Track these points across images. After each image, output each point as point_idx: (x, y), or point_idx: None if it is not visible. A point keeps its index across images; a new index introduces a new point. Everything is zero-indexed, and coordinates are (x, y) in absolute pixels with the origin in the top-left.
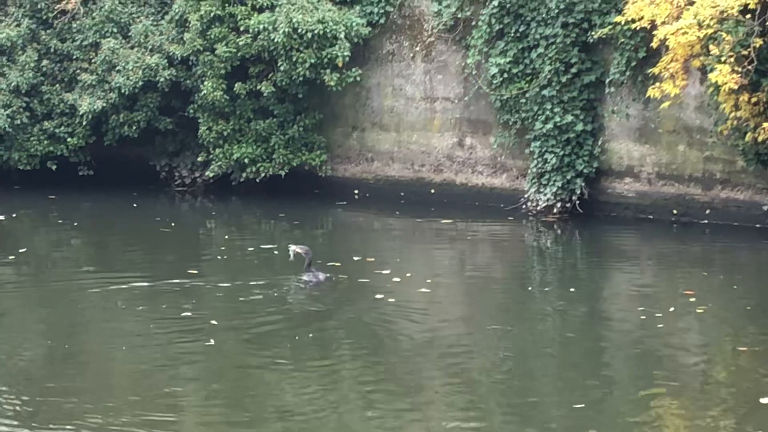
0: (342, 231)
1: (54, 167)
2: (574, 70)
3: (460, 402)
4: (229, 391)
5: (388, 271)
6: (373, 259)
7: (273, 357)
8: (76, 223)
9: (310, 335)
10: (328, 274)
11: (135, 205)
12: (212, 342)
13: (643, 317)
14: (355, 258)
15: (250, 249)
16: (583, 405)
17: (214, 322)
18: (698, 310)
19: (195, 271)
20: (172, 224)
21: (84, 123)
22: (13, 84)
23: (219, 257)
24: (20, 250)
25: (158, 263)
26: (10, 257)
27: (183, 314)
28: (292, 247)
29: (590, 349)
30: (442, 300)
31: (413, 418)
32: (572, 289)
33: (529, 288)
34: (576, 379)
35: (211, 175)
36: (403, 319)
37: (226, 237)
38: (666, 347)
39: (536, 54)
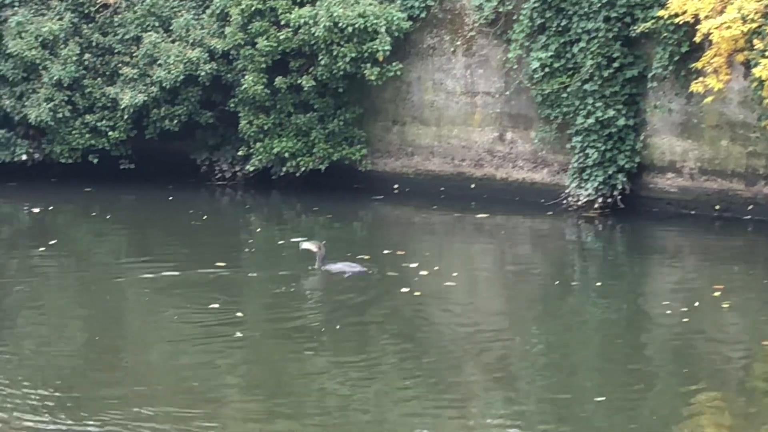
0: (379, 225)
1: (95, 161)
2: (616, 64)
3: (499, 397)
4: (267, 382)
5: (417, 265)
6: (403, 252)
7: (309, 348)
8: (108, 216)
9: (340, 327)
10: (356, 267)
11: (171, 198)
12: (243, 334)
13: (684, 310)
14: (387, 251)
15: (280, 242)
16: (622, 400)
17: (239, 314)
18: (733, 306)
19: (224, 264)
20: (204, 217)
21: (125, 117)
22: (55, 78)
23: (252, 250)
24: (50, 242)
25: (193, 254)
26: (41, 249)
27: (211, 306)
28: (304, 245)
29: (629, 344)
30: (481, 294)
31: (452, 415)
32: (613, 284)
33: (570, 283)
34: (615, 374)
35: (252, 169)
36: (441, 312)
37: (258, 230)
38: (707, 342)
39: (578, 48)
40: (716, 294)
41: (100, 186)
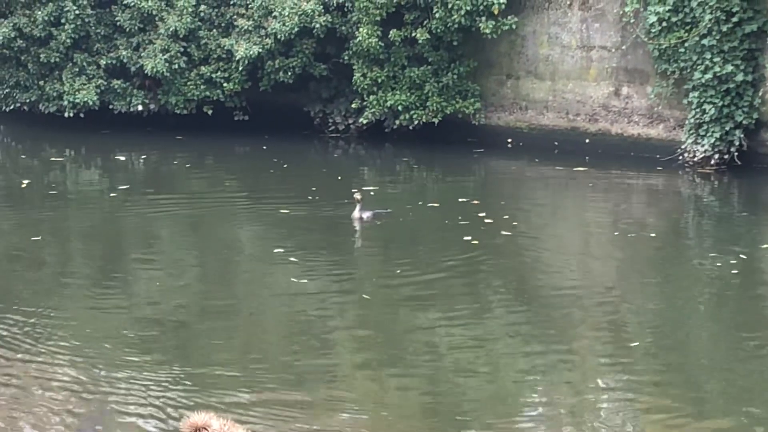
0: (493, 180)
1: (210, 112)
2: (735, 19)
3: (606, 356)
4: (379, 332)
5: (527, 220)
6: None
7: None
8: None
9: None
10: (378, 211)
11: (265, 147)
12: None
13: None
14: (503, 204)
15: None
16: (737, 366)
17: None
18: None
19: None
20: (323, 170)
21: (240, 68)
22: (171, 29)
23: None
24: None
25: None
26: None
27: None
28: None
29: (744, 306)
30: (593, 250)
31: (563, 366)
32: (728, 243)
33: (684, 241)
34: (729, 337)
35: (365, 122)
36: (553, 267)
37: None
38: None
39: (696, 2)
40: None
41: (217, 136)
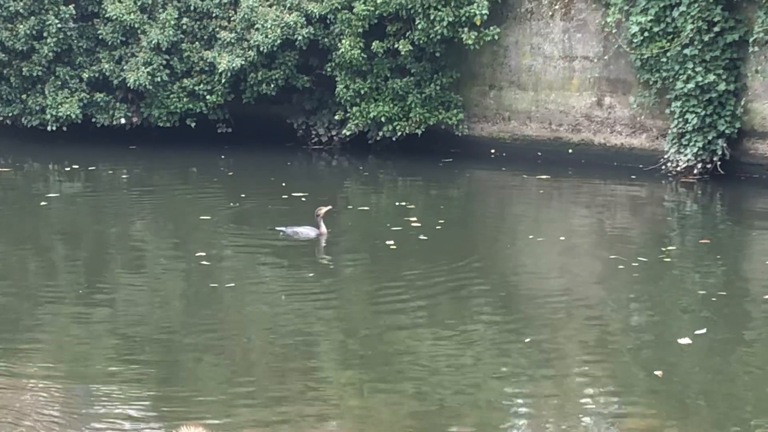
0: (476, 190)
1: (193, 125)
2: (717, 28)
3: (598, 372)
4: (364, 347)
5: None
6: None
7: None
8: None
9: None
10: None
11: (289, 162)
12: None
13: None
14: (487, 217)
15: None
16: (728, 382)
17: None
18: None
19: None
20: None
21: (223, 81)
22: (153, 42)
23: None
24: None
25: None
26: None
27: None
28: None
29: (731, 312)
30: (576, 258)
31: (550, 392)
32: (713, 252)
33: (668, 248)
34: (717, 345)
35: (348, 133)
36: (538, 278)
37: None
38: None
39: (678, 12)
40: None
41: (202, 149)
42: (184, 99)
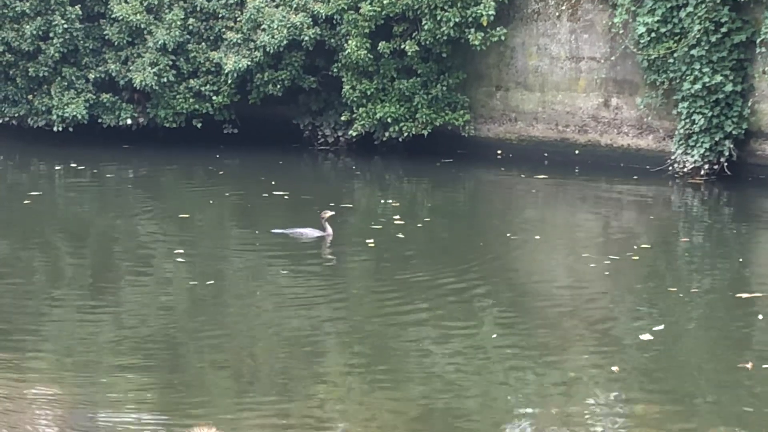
0: (483, 192)
1: (199, 125)
2: (724, 29)
3: (604, 375)
4: (369, 347)
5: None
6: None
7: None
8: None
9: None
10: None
11: (281, 162)
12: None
13: None
14: (495, 220)
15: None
16: (733, 380)
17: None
18: None
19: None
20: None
21: (229, 81)
22: (160, 42)
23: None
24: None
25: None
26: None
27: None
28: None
29: (739, 315)
30: (583, 260)
31: (557, 392)
32: (721, 252)
33: (676, 251)
34: (724, 348)
35: (354, 134)
36: (544, 282)
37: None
38: None
39: (685, 13)
40: None
41: (206, 149)
42: (191, 100)
